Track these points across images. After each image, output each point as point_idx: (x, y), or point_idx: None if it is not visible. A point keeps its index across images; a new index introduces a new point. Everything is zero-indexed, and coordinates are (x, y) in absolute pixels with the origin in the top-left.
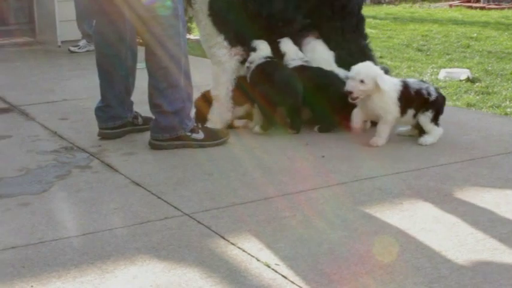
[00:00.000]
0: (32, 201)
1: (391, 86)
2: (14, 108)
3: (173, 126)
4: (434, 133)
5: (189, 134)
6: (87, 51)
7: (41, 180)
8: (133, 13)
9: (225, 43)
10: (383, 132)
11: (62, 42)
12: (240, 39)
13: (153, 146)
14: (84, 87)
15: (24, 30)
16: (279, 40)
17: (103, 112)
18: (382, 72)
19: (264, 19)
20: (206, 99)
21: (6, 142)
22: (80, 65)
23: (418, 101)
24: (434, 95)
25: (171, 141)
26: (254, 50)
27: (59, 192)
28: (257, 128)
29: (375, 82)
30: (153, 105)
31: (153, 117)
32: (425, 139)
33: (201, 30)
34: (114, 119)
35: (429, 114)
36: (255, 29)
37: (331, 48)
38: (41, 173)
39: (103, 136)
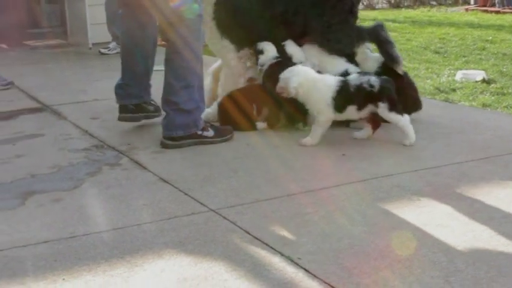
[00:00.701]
0: (64, 197)
1: (323, 87)
2: (47, 108)
3: (187, 124)
4: (404, 126)
5: (201, 132)
6: (117, 53)
7: (72, 177)
8: (161, 14)
9: (232, 46)
10: (315, 132)
11: (93, 44)
12: (247, 42)
13: (165, 145)
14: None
15: (57, 33)
16: (283, 43)
17: (122, 90)
18: (302, 75)
19: (267, 22)
20: (232, 99)
21: (39, 140)
22: (110, 66)
23: (360, 96)
24: (377, 85)
25: (184, 139)
26: (261, 52)
27: (89, 189)
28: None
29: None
30: (170, 103)
31: (165, 114)
32: (407, 140)
33: (207, 32)
34: (131, 97)
35: (383, 105)
36: (260, 32)
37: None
38: (72, 170)
39: (122, 120)
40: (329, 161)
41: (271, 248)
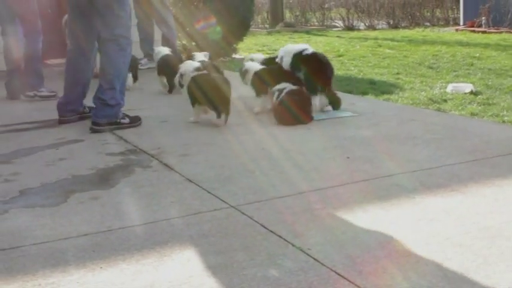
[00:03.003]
0: (102, 195)
1: None
2: (86, 117)
3: (110, 115)
4: None
5: (119, 120)
6: (148, 68)
7: (109, 177)
8: (104, 31)
9: None
10: None
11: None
12: None
13: (94, 130)
14: (145, 98)
15: None
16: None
17: (64, 106)
18: None
19: None
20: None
21: (79, 145)
22: (141, 79)
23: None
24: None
25: (106, 125)
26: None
27: (124, 188)
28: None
29: None
30: (99, 99)
31: (95, 106)
32: None
33: None
34: (72, 111)
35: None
36: None
37: None
38: (109, 171)
39: (62, 122)
40: (335, 163)
41: (285, 240)
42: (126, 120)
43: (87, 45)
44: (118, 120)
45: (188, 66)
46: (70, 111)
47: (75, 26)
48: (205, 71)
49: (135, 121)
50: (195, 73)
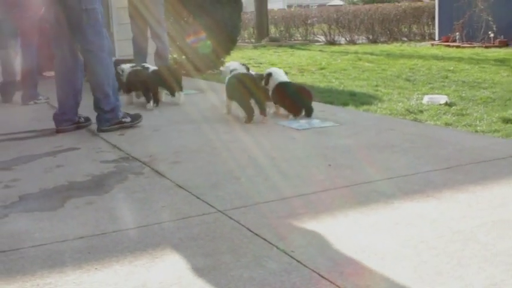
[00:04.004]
0: (96, 200)
1: None
2: (82, 126)
3: (111, 119)
4: None
5: (121, 119)
6: None
7: (103, 184)
8: (82, 44)
9: None
10: None
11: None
12: None
13: (101, 131)
14: (139, 108)
15: None
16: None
17: (60, 116)
18: None
19: None
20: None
21: (75, 153)
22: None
23: None
24: None
25: (112, 126)
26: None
27: (118, 194)
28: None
29: None
30: (98, 108)
31: (97, 117)
32: None
33: None
34: (68, 121)
35: None
36: None
37: None
38: (103, 178)
39: (59, 132)
40: (318, 170)
41: (269, 242)
42: (128, 119)
43: (72, 55)
44: (120, 120)
45: (126, 65)
46: (66, 121)
47: (58, 38)
48: (138, 68)
49: (136, 118)
50: (131, 69)
